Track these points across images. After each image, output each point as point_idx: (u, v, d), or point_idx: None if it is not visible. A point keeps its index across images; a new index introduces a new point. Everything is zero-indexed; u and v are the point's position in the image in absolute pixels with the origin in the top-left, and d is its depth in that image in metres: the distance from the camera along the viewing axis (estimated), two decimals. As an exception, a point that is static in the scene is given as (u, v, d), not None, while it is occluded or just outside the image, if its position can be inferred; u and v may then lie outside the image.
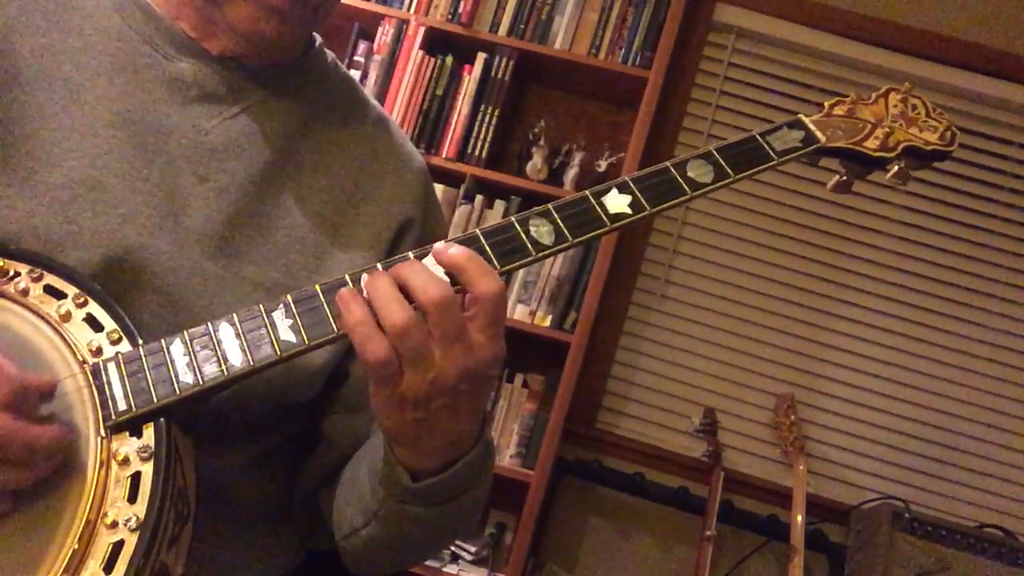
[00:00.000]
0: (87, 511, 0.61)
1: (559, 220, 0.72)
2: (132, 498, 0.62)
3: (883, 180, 0.84)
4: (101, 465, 0.63)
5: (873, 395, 2.60)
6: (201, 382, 0.66)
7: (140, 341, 0.68)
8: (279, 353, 0.67)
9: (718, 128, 2.67)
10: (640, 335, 2.65)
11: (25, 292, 0.68)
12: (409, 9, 2.56)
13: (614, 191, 0.74)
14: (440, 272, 0.67)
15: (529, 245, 0.71)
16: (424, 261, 0.67)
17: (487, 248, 0.70)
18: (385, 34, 2.52)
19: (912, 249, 2.62)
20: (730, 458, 2.54)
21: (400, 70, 2.49)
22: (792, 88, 2.66)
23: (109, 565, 0.60)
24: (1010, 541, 2.24)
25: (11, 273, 0.69)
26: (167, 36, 0.81)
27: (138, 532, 0.61)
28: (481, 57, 2.49)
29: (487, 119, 2.47)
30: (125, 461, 0.63)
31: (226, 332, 0.68)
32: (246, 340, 0.67)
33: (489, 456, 0.75)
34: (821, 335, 2.62)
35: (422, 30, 2.48)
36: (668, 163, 0.76)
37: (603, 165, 2.52)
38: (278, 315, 0.68)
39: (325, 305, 0.68)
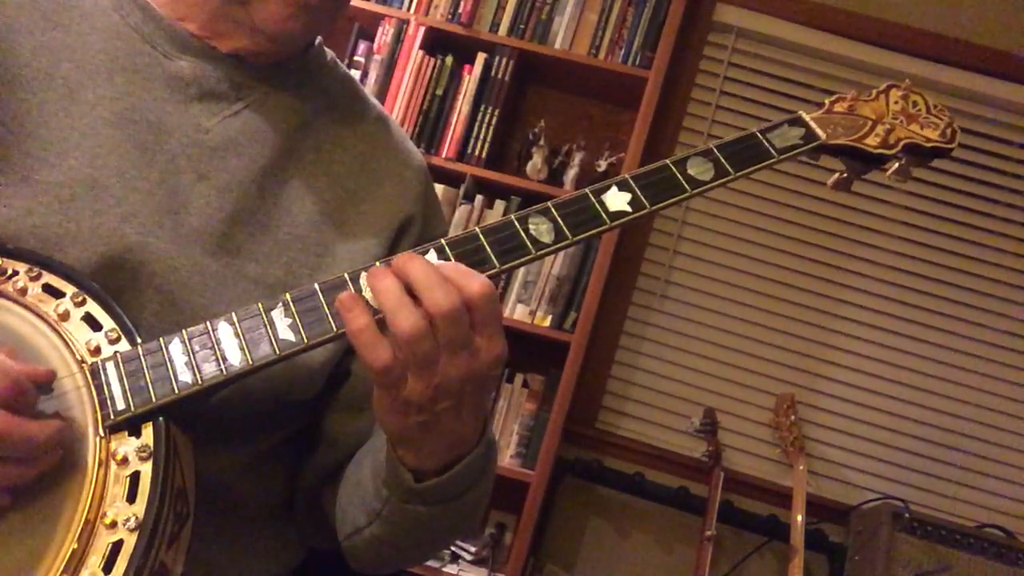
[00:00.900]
0: (86, 511, 0.61)
1: (559, 218, 0.72)
2: (131, 498, 0.62)
3: (884, 177, 0.84)
4: (100, 465, 0.63)
5: (873, 395, 2.60)
6: (200, 381, 0.66)
7: (139, 340, 0.67)
8: (278, 352, 0.67)
9: (718, 128, 2.67)
10: (640, 335, 2.65)
11: (23, 291, 0.68)
12: (409, 9, 2.56)
13: (614, 189, 0.74)
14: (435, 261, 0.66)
15: (529, 243, 0.71)
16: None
17: (487, 246, 0.70)
18: (385, 34, 2.52)
19: (912, 249, 2.62)
20: (730, 458, 2.54)
21: (400, 70, 2.49)
22: (792, 88, 2.66)
23: (108, 565, 0.60)
24: (1010, 541, 2.24)
25: (9, 272, 0.69)
26: (166, 35, 0.81)
27: (137, 532, 0.61)
28: (481, 57, 2.49)
29: (487, 119, 2.47)
30: (124, 461, 0.63)
31: (225, 331, 0.68)
32: (245, 339, 0.67)
33: (491, 454, 0.75)
34: (821, 335, 2.62)
35: (422, 30, 2.48)
36: (668, 161, 0.76)
37: (603, 165, 2.52)
38: (277, 314, 0.68)
39: (324, 304, 0.68)
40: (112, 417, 0.64)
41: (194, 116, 0.81)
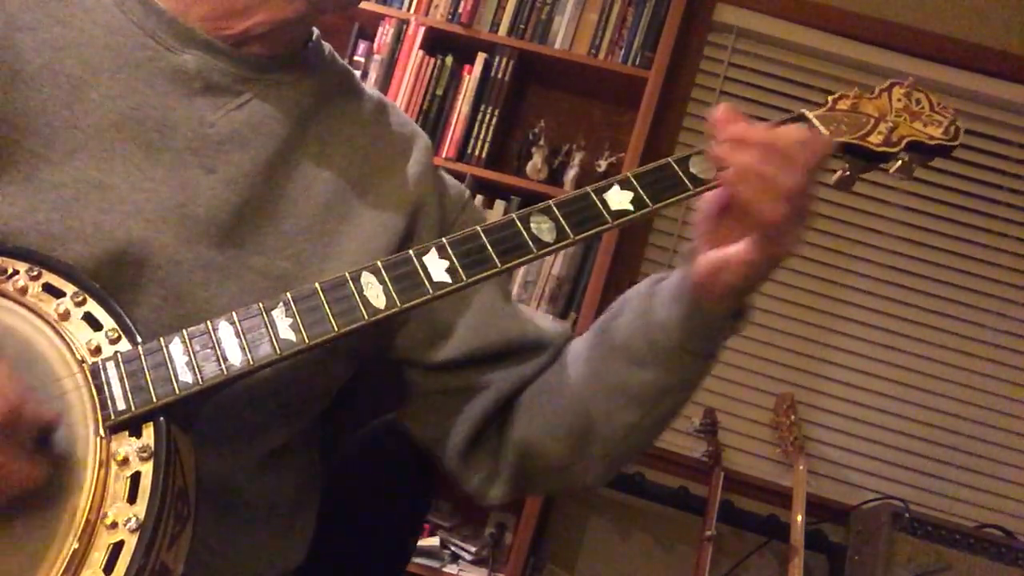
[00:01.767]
0: (87, 511, 0.61)
1: (560, 217, 0.72)
2: (132, 498, 0.62)
3: (884, 177, 0.84)
4: (101, 465, 0.63)
5: (873, 395, 2.60)
6: (200, 381, 0.66)
7: (139, 340, 0.67)
8: (278, 352, 0.67)
9: (718, 128, 2.66)
10: (640, 335, 2.64)
11: (24, 290, 0.68)
12: (409, 9, 2.55)
13: (616, 187, 0.74)
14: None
15: (530, 242, 0.71)
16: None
17: (488, 245, 0.70)
18: (385, 34, 2.51)
19: (912, 249, 2.62)
20: (730, 458, 2.54)
21: (400, 70, 2.48)
22: (792, 88, 2.66)
23: (109, 565, 0.60)
24: (1010, 541, 2.24)
25: (9, 271, 0.68)
26: (169, 28, 0.81)
27: (138, 532, 0.60)
28: (481, 57, 2.49)
29: (487, 119, 2.47)
30: (125, 461, 0.63)
31: (225, 331, 0.68)
32: (246, 339, 0.67)
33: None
34: (821, 335, 2.62)
35: (422, 30, 2.48)
36: (671, 159, 0.76)
37: (603, 165, 2.52)
38: (278, 313, 0.68)
39: (325, 304, 0.68)
40: (113, 417, 0.64)
41: (199, 110, 0.81)
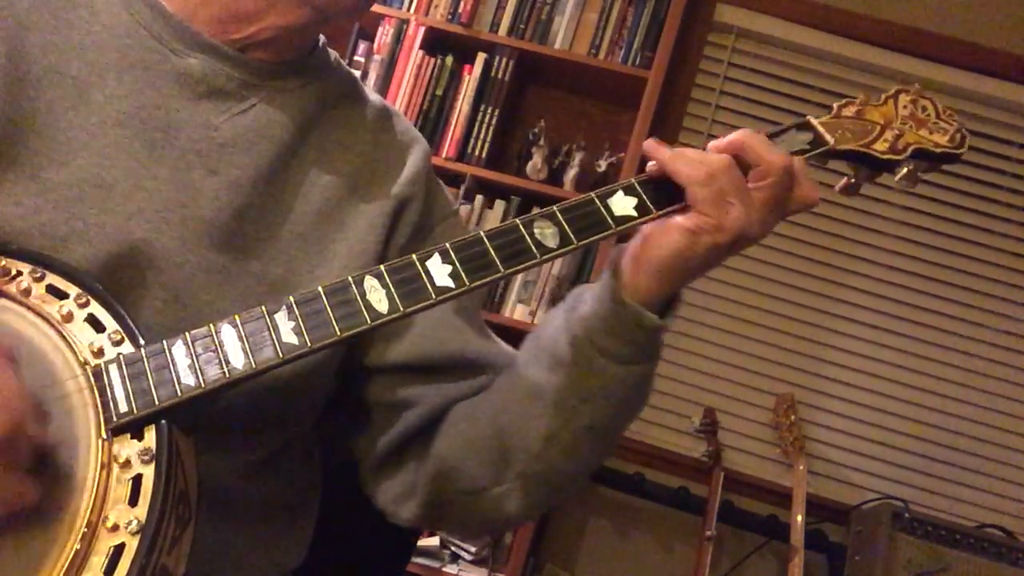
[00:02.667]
0: (88, 514, 0.61)
1: (564, 223, 0.72)
2: (133, 501, 0.62)
3: (892, 183, 0.83)
4: (102, 468, 0.63)
5: (873, 395, 2.60)
6: (203, 384, 0.66)
7: (142, 342, 0.67)
8: (281, 355, 0.67)
9: (718, 128, 2.66)
10: (640, 335, 2.64)
11: (27, 292, 0.68)
12: (409, 9, 2.55)
13: (620, 193, 0.74)
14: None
15: (533, 248, 0.71)
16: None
17: (491, 250, 0.70)
18: (385, 34, 2.51)
19: (912, 249, 2.62)
20: (730, 458, 2.54)
21: (400, 70, 2.48)
22: (792, 88, 2.66)
23: (110, 568, 0.60)
24: (1010, 541, 2.24)
25: (13, 272, 0.68)
26: (176, 32, 0.81)
27: (139, 535, 0.60)
28: (481, 57, 2.49)
29: (487, 119, 2.47)
30: (126, 464, 0.63)
31: (228, 334, 0.67)
32: (248, 342, 0.67)
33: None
34: (821, 335, 2.62)
35: (422, 30, 2.48)
36: None
37: (603, 165, 2.52)
38: (280, 317, 0.68)
39: (328, 308, 0.68)
40: (115, 420, 0.64)
41: (203, 113, 0.81)
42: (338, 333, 0.67)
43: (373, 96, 0.95)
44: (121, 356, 0.66)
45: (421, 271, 0.70)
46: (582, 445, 0.77)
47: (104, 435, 0.64)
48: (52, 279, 0.69)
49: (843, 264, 2.63)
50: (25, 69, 0.76)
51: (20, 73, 0.76)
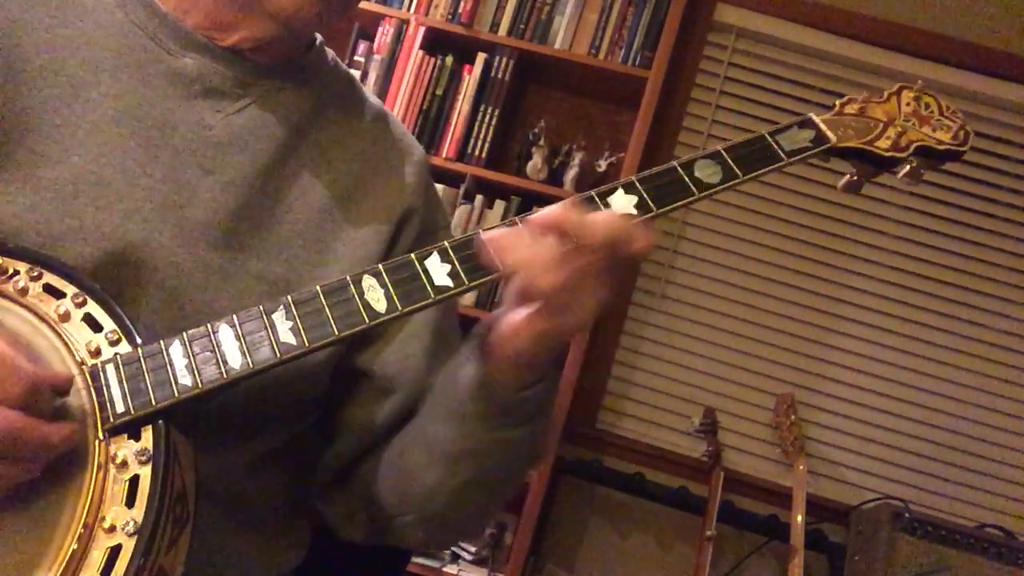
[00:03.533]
0: (85, 515, 0.61)
1: None
2: (130, 502, 0.61)
3: (894, 180, 0.83)
4: (99, 468, 0.62)
5: (873, 395, 2.60)
6: (200, 384, 0.66)
7: (139, 342, 0.67)
8: (278, 355, 0.66)
9: (718, 128, 2.66)
10: (640, 335, 2.64)
11: (24, 291, 0.68)
12: (409, 9, 2.55)
13: (620, 191, 0.73)
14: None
15: None
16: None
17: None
18: (385, 34, 2.51)
19: (912, 249, 2.62)
20: (730, 458, 2.54)
21: (400, 70, 2.48)
22: (792, 88, 2.66)
23: (107, 569, 0.59)
24: (1010, 541, 2.24)
25: (10, 271, 0.68)
26: (170, 31, 0.81)
27: (136, 536, 0.60)
28: (481, 57, 2.48)
29: (487, 119, 2.47)
30: (123, 464, 0.63)
31: (225, 334, 0.67)
32: (245, 342, 0.67)
33: (557, 385, 0.75)
34: (821, 335, 2.62)
35: (422, 30, 2.48)
36: (675, 163, 0.75)
37: (603, 165, 2.52)
38: (278, 316, 0.67)
39: (326, 307, 0.67)
40: (112, 420, 0.64)
41: (198, 112, 0.80)
42: (336, 333, 0.66)
43: (371, 97, 0.95)
44: (118, 356, 0.66)
45: (420, 270, 0.69)
46: (469, 496, 0.78)
47: (101, 435, 0.64)
48: (49, 278, 0.69)
49: (843, 264, 2.63)
50: (20, 67, 0.76)
51: (15, 71, 0.76)
